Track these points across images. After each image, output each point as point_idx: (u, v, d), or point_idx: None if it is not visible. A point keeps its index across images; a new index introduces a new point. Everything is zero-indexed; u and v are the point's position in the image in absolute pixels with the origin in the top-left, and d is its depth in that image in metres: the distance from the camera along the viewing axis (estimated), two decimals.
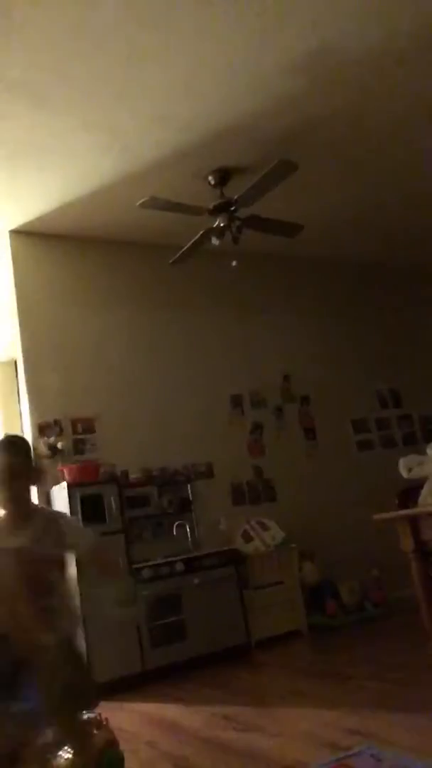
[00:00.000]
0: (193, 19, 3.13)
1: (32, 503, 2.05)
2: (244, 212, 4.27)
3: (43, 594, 1.81)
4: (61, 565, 1.90)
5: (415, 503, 2.90)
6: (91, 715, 1.89)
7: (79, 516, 4.00)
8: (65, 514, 2.16)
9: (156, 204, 4.06)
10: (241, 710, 3.02)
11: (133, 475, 4.64)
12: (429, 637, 2.77)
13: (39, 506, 2.15)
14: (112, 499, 4.18)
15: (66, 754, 2.27)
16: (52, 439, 4.42)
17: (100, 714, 2.38)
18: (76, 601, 2.04)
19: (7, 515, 1.91)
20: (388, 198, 5.25)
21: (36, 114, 3.59)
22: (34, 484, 2.02)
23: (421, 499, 2.86)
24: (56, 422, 4.50)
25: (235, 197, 4.17)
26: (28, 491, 1.99)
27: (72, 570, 1.95)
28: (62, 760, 2.24)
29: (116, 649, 3.81)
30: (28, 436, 4.56)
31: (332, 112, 4.03)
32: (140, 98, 3.64)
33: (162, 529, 4.65)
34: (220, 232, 4.26)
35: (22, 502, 1.93)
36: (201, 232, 4.37)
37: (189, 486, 4.86)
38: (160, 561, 4.24)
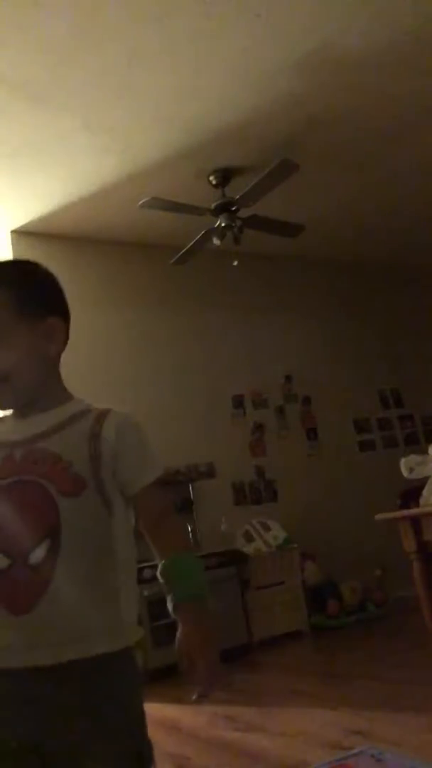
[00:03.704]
0: (194, 19, 3.13)
1: (58, 387, 1.10)
2: (245, 212, 4.28)
3: (42, 538, 0.93)
4: (81, 487, 0.97)
5: (416, 503, 2.90)
6: None
7: None
8: (127, 412, 1.08)
9: (157, 204, 4.07)
10: (242, 710, 3.02)
11: None
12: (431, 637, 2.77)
13: (79, 399, 1.12)
14: None
15: None
16: None
17: None
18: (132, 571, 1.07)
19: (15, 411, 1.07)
20: (391, 198, 5.25)
21: (37, 114, 3.60)
22: (42, 347, 1.06)
23: (423, 500, 2.86)
24: None
25: (237, 197, 4.17)
26: (37, 363, 1.05)
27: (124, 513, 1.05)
28: None
29: None
30: None
31: (334, 112, 4.03)
32: (141, 98, 3.64)
33: None
34: (221, 233, 4.27)
35: (28, 389, 1.04)
36: (202, 233, 4.37)
37: (190, 486, 4.86)
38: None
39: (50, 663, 0.89)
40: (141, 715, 0.97)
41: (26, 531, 0.94)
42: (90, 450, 1.00)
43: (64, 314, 1.12)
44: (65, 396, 1.10)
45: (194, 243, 4.47)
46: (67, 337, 1.11)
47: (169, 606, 1.01)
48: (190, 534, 4.65)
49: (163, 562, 1.03)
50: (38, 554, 0.93)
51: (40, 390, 1.05)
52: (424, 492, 2.84)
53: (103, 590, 0.97)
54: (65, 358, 1.09)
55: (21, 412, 1.05)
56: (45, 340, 1.06)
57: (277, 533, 4.87)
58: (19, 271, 1.14)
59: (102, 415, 1.06)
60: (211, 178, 4.39)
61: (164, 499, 1.09)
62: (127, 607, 1.00)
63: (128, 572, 1.03)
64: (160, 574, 1.04)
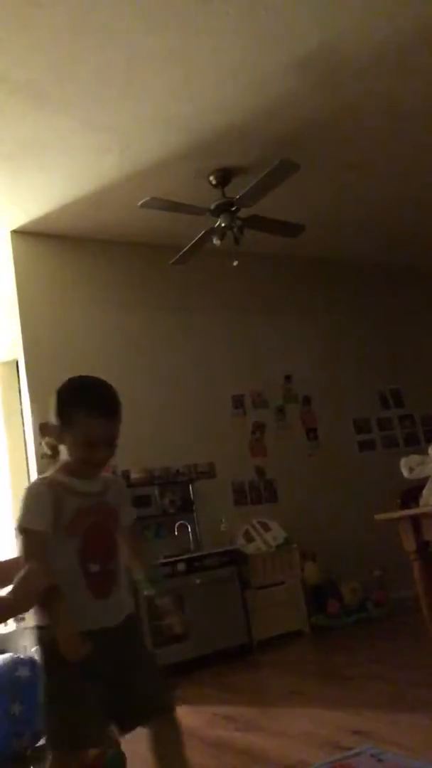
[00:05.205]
0: (194, 19, 3.13)
1: None
2: (245, 212, 4.28)
3: (112, 555, 1.59)
4: (119, 524, 1.65)
5: (416, 503, 2.89)
6: None
7: None
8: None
9: (157, 204, 4.07)
10: (242, 710, 3.02)
11: (135, 475, 4.64)
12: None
13: None
14: None
15: None
16: (53, 439, 4.41)
17: None
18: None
19: (69, 468, 1.60)
20: (390, 198, 5.25)
21: (37, 114, 3.60)
22: None
23: (422, 500, 2.85)
24: None
25: (237, 197, 4.17)
26: None
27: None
28: None
29: None
30: (30, 435, 4.57)
31: (333, 111, 4.03)
32: (141, 98, 3.64)
33: (164, 529, 4.65)
34: (221, 233, 4.27)
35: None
36: (202, 232, 4.37)
37: (191, 486, 4.85)
38: (161, 561, 4.24)
39: (115, 624, 1.56)
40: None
41: (108, 551, 1.59)
42: (120, 502, 1.67)
43: None
44: None
45: (194, 243, 4.47)
46: None
47: (148, 592, 1.68)
48: (190, 534, 4.65)
49: (146, 572, 1.70)
50: (114, 564, 1.58)
51: None
52: (424, 492, 2.84)
53: (125, 579, 1.63)
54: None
55: (83, 474, 1.60)
56: None
57: (276, 533, 4.87)
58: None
59: (116, 481, 1.74)
60: (211, 178, 4.39)
61: (139, 530, 1.84)
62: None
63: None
64: (148, 576, 1.69)
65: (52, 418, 1.61)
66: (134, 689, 1.54)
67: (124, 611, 1.60)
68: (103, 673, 1.50)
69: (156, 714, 1.56)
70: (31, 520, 1.50)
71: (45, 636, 1.50)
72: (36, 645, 1.56)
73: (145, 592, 1.67)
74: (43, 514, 1.50)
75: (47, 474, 1.62)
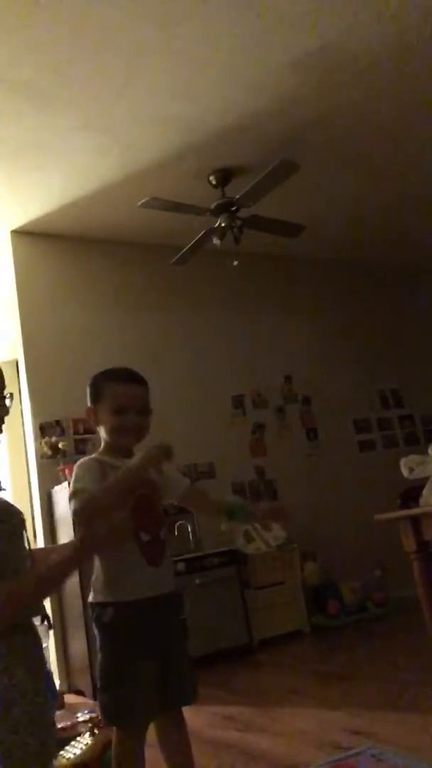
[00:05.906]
0: (194, 19, 3.13)
1: None
2: (245, 212, 4.28)
3: (161, 525, 1.70)
4: (161, 500, 1.77)
5: (416, 503, 2.89)
6: (93, 714, 1.86)
7: None
8: None
9: (157, 204, 4.06)
10: (242, 710, 3.02)
11: None
12: None
13: None
14: None
15: (67, 753, 2.27)
16: (53, 440, 4.42)
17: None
18: None
19: (108, 448, 1.74)
20: (391, 198, 5.25)
21: (37, 114, 3.60)
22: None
23: (422, 500, 2.85)
24: (57, 422, 4.50)
25: (237, 197, 4.17)
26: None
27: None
28: (63, 760, 2.24)
29: None
30: (30, 436, 4.57)
31: (333, 111, 4.03)
32: (141, 98, 3.64)
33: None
34: (221, 233, 4.26)
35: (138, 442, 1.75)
36: (202, 233, 4.37)
37: None
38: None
39: (165, 592, 1.66)
40: None
41: (156, 522, 1.69)
42: (161, 475, 1.77)
43: None
44: None
45: (194, 243, 4.47)
46: None
47: (244, 525, 2.00)
48: (190, 534, 4.65)
49: (225, 510, 1.83)
50: (163, 533, 1.70)
51: None
52: (424, 492, 2.84)
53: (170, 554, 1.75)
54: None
55: (125, 453, 1.72)
56: None
57: (277, 533, 4.84)
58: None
59: None
60: (211, 178, 4.39)
61: (198, 486, 2.00)
62: None
63: None
64: (229, 512, 1.82)
65: (89, 403, 1.76)
66: (171, 673, 1.61)
67: (171, 582, 1.70)
68: (152, 647, 1.59)
69: (181, 703, 1.65)
70: (83, 485, 1.59)
71: (103, 615, 1.59)
72: (94, 624, 1.64)
73: (242, 527, 1.82)
74: (94, 481, 1.60)
75: (90, 456, 1.73)
